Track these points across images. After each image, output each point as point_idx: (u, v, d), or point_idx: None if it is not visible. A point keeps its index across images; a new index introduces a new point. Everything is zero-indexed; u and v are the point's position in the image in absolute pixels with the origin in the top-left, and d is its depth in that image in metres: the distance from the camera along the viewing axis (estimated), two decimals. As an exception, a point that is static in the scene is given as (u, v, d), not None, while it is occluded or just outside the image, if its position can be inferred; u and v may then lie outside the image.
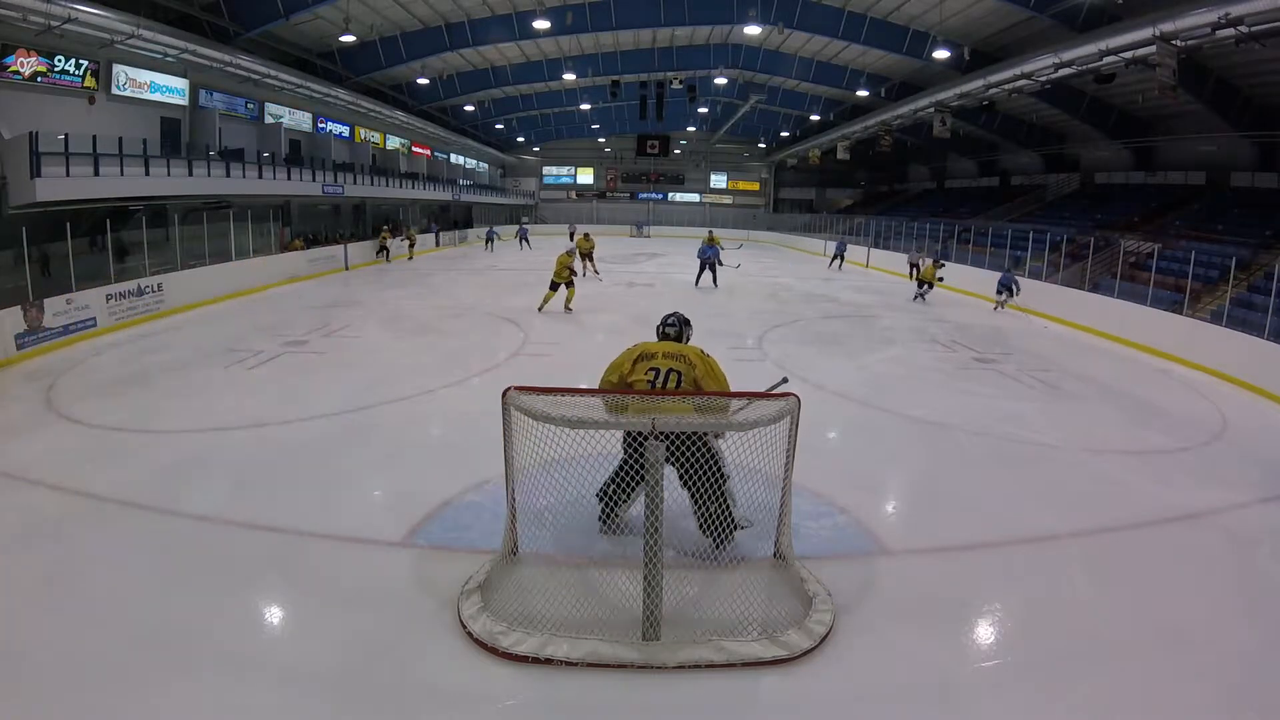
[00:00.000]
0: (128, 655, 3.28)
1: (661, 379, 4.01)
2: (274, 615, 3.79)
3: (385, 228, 24.84)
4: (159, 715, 2.95)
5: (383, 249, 22.81)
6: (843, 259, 24.78)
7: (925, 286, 16.57)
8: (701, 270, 17.66)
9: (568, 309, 12.96)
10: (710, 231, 24.52)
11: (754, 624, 3.45)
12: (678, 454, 3.58)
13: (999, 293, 15.24)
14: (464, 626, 3.46)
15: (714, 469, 3.79)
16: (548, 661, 3.25)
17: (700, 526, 4.08)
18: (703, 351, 4.20)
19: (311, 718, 2.98)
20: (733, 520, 4.07)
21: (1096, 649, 3.48)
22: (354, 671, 3.22)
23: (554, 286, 12.93)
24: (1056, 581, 4.20)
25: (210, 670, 3.19)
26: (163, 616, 3.56)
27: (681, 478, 3.84)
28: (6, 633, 3.42)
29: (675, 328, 4.45)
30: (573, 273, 13.24)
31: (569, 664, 3.24)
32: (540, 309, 12.80)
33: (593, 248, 19.01)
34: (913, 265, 20.65)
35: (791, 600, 3.71)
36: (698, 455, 3.63)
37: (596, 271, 18.64)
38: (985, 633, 3.73)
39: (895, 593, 3.96)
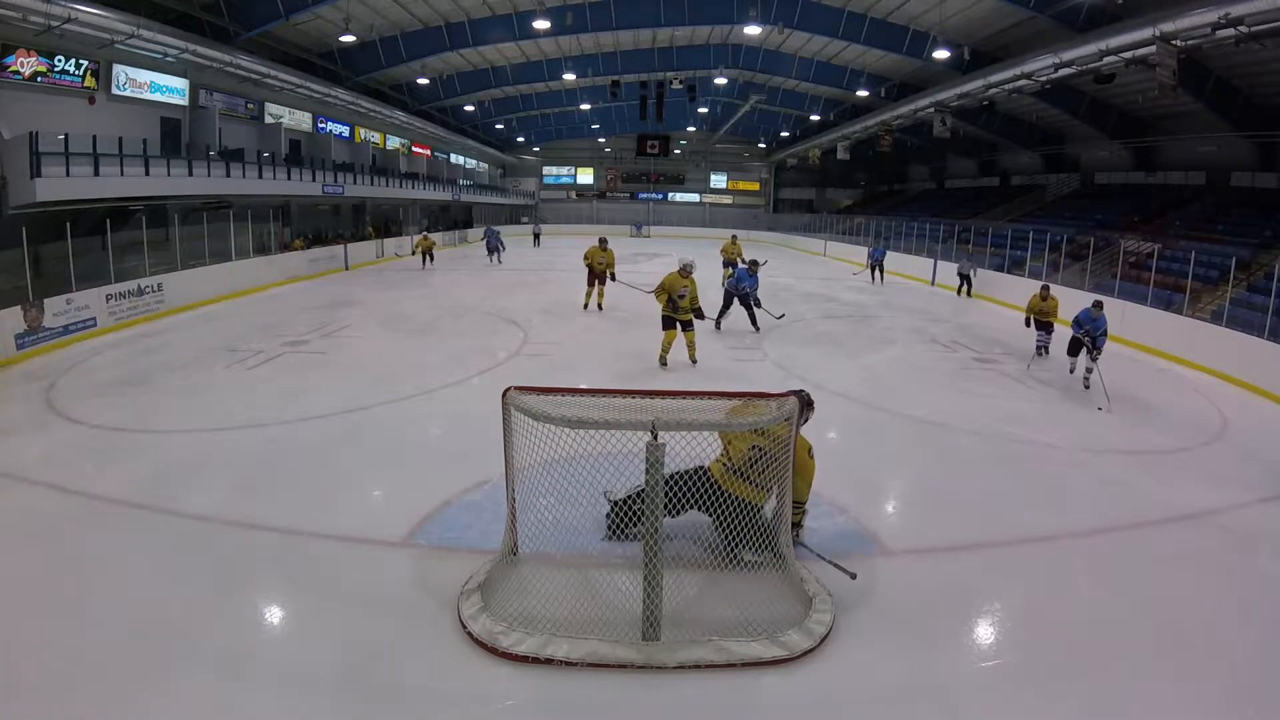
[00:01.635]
0: (128, 655, 3.28)
1: (763, 457, 3.95)
2: (274, 615, 3.79)
3: (424, 233, 24.50)
4: (158, 715, 2.96)
5: (426, 253, 21.37)
6: (882, 271, 20.20)
7: (1045, 333, 10.26)
8: (727, 306, 11.51)
9: (692, 359, 8.79)
10: (733, 236, 18.35)
11: (754, 624, 3.45)
12: (718, 517, 3.86)
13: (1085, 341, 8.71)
14: (464, 626, 3.46)
15: (752, 525, 3.87)
16: (548, 661, 3.25)
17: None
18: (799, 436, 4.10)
19: (311, 718, 2.98)
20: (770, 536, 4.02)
21: (1096, 649, 3.49)
22: (353, 671, 3.22)
23: (676, 325, 8.66)
24: (1056, 582, 4.21)
25: (210, 670, 3.20)
26: (163, 616, 3.57)
27: (715, 523, 3.98)
28: (6, 633, 3.42)
29: None
30: (675, 304, 8.60)
31: (569, 664, 3.25)
32: (663, 361, 8.61)
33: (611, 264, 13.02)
34: (963, 277, 17.49)
35: (791, 600, 3.72)
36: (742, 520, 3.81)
37: (601, 302, 13.32)
38: (985, 633, 3.73)
39: (895, 593, 3.96)
